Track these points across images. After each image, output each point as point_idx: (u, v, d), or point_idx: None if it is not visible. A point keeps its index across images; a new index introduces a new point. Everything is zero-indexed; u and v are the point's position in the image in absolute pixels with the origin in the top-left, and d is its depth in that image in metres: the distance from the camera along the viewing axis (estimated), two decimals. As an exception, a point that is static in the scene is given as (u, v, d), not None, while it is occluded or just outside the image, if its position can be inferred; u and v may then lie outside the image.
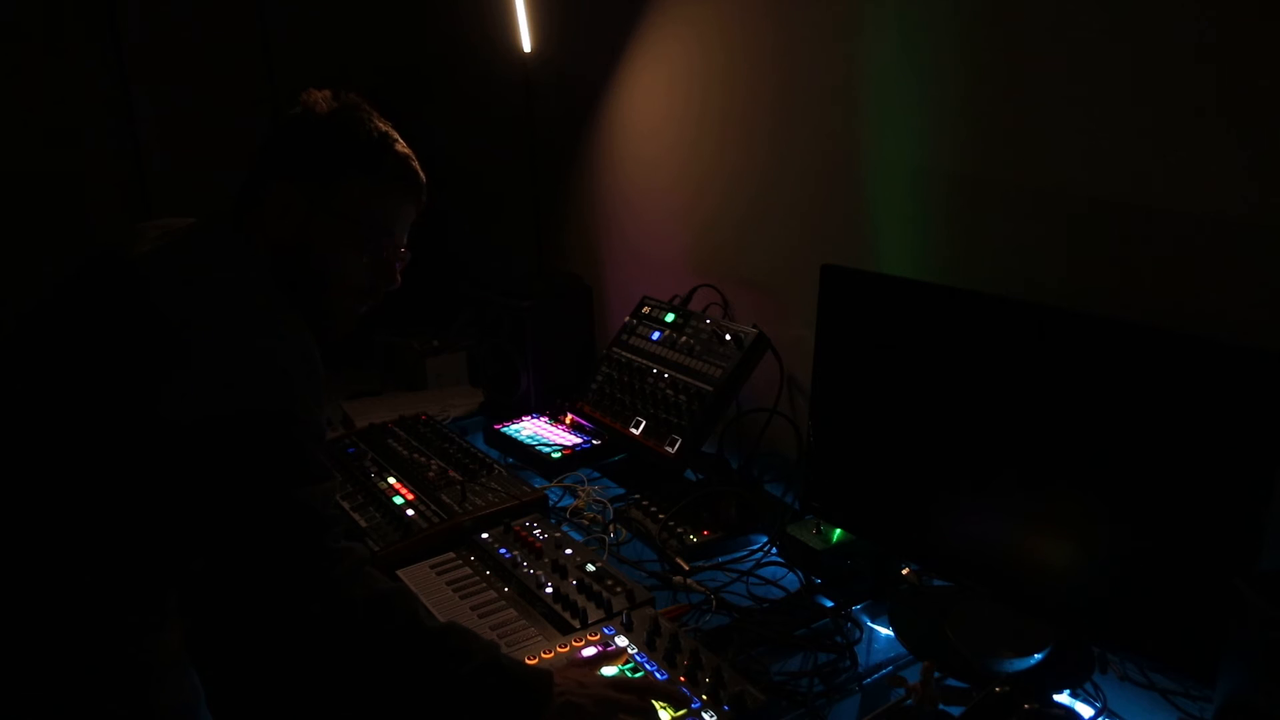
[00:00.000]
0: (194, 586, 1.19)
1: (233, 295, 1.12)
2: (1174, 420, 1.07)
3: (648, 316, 2.09)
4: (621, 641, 1.32)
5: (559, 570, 1.52)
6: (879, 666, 1.32)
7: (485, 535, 1.65)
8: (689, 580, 1.52)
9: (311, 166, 1.24)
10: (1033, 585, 1.24)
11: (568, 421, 2.17)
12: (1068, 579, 1.21)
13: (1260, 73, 1.14)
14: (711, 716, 1.16)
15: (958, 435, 1.31)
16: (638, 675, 1.24)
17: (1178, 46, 1.21)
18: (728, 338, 1.86)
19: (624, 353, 2.06)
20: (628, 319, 2.13)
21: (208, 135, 2.85)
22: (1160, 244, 1.27)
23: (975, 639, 1.29)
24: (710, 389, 1.82)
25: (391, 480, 1.85)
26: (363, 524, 1.69)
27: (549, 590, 1.46)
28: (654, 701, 1.18)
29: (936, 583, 1.46)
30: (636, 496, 1.82)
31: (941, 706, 1.15)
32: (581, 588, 1.46)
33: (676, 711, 1.17)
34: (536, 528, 1.67)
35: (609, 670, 1.25)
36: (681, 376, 1.89)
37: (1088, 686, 1.23)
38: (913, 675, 1.19)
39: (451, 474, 1.85)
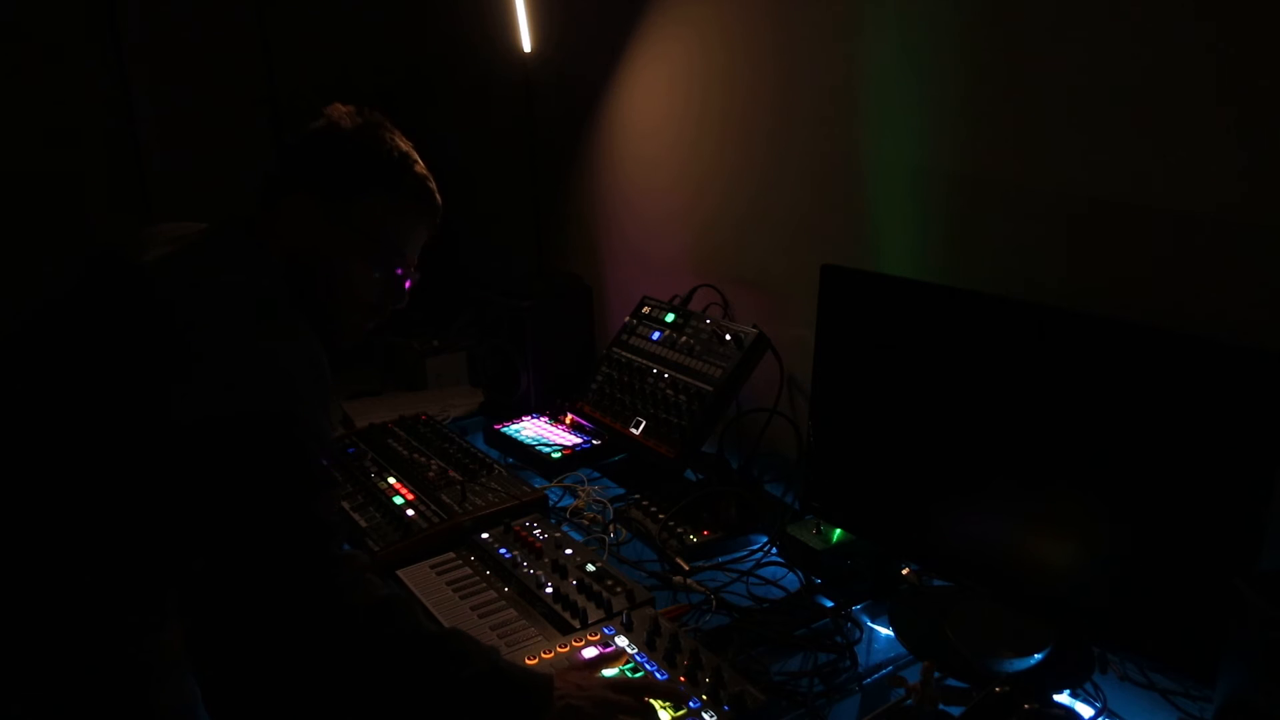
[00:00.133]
0: (194, 587, 1.19)
1: (239, 298, 1.12)
2: (1174, 420, 1.07)
3: (648, 316, 2.09)
4: (621, 641, 1.32)
5: (559, 570, 1.52)
6: (879, 666, 1.32)
7: (485, 535, 1.65)
8: (689, 580, 1.52)
9: (332, 180, 1.25)
10: (1033, 585, 1.24)
11: (568, 421, 2.17)
12: (1068, 579, 1.21)
13: (1260, 73, 1.14)
14: (711, 716, 1.16)
15: (958, 435, 1.31)
16: (638, 675, 1.24)
17: (1178, 46, 1.21)
18: (728, 338, 1.86)
19: (624, 353, 2.06)
20: (628, 319, 2.13)
21: (208, 135, 2.85)
22: (1160, 244, 1.28)
23: (975, 639, 1.29)
24: (710, 389, 1.82)
25: (391, 480, 1.85)
26: (363, 524, 1.69)
27: (549, 590, 1.46)
28: (654, 701, 1.18)
29: (936, 583, 1.46)
30: (636, 496, 1.82)
31: (941, 706, 1.15)
32: (581, 588, 1.46)
33: (677, 711, 1.17)
34: (536, 528, 1.67)
35: (609, 672, 1.25)
36: (681, 376, 1.89)
37: (1088, 686, 1.23)
38: (913, 675, 1.19)
39: (451, 474, 1.85)
